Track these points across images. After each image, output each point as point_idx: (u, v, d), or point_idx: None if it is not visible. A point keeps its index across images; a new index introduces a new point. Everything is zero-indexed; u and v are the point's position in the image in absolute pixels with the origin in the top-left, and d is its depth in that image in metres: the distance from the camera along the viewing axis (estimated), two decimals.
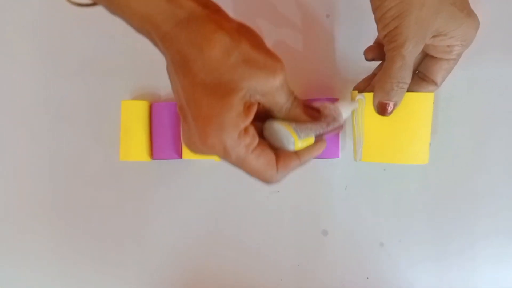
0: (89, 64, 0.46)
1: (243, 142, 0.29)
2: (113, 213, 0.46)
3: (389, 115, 0.35)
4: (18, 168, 0.47)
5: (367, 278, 0.43)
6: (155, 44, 0.29)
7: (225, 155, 0.29)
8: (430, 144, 0.37)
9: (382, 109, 0.35)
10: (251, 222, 0.44)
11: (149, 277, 0.46)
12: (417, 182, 0.42)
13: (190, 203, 0.45)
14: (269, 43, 0.43)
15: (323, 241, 0.43)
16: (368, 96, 0.37)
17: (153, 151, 0.44)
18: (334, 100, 0.39)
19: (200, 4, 0.27)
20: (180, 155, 0.43)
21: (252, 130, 0.29)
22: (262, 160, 0.30)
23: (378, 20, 0.33)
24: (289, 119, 0.32)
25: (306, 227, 0.43)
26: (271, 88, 0.29)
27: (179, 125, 0.43)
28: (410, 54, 0.32)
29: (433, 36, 0.33)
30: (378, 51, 0.37)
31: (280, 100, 0.30)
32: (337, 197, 0.43)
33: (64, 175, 0.47)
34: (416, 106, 0.36)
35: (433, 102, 0.37)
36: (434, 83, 0.36)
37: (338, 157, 0.40)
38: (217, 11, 0.29)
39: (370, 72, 0.38)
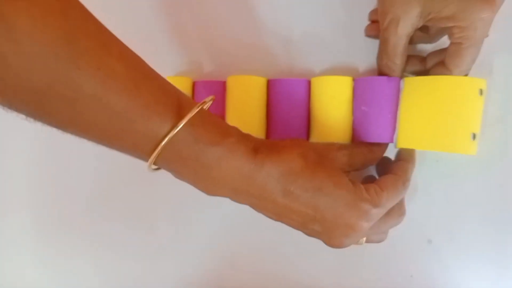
0: (129, 39, 0.45)
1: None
2: (149, 191, 0.44)
3: None
4: (56, 147, 0.46)
5: (411, 276, 0.40)
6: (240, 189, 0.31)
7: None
8: (475, 134, 0.34)
9: None
10: None
11: (195, 259, 0.44)
12: (473, 176, 0.39)
13: None
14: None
15: None
16: (409, 81, 0.36)
17: None
18: (393, 79, 0.37)
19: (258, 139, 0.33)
20: None
21: None
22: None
23: None
24: None
25: None
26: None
27: (222, 103, 0.41)
28: (393, 34, 0.33)
29: (430, 19, 0.32)
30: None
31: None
32: None
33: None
34: (459, 91, 0.34)
35: (485, 90, 0.35)
36: (446, 68, 0.34)
37: (392, 142, 0.38)
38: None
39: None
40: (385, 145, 0.38)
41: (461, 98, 0.34)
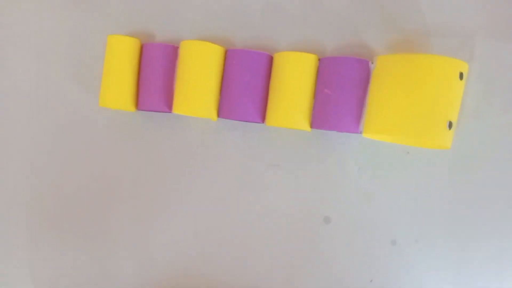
0: None
1: None
2: (82, 167, 0.40)
3: None
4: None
5: (371, 281, 0.36)
6: None
7: None
8: (451, 122, 0.29)
9: None
10: (242, 196, 0.37)
11: (120, 258, 0.40)
12: (446, 172, 0.35)
13: (175, 166, 0.38)
14: None
15: (324, 230, 0.36)
16: (381, 59, 0.31)
17: (139, 101, 0.37)
18: (364, 61, 0.32)
19: None
20: (170, 108, 0.36)
21: None
22: None
23: None
24: None
25: (306, 210, 0.37)
26: None
27: (172, 71, 0.36)
28: None
29: None
30: None
31: None
32: (347, 178, 0.36)
33: (33, 117, 0.40)
34: (437, 72, 0.29)
35: (466, 74, 0.30)
36: None
37: (357, 132, 0.33)
38: None
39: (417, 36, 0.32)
40: None
41: (439, 80, 0.29)
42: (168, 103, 0.36)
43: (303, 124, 0.34)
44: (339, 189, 0.36)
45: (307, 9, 0.36)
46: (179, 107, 0.35)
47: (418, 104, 0.29)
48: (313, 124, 0.34)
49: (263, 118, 0.35)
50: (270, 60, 0.35)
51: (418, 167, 0.35)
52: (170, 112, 0.37)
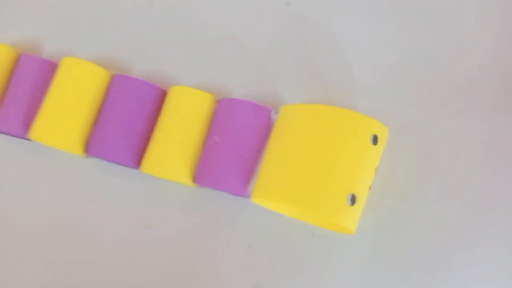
0: None
1: None
2: None
3: None
4: None
5: None
6: None
7: None
8: (354, 196, 0.22)
9: None
10: (104, 259, 0.29)
11: None
12: (355, 264, 0.27)
13: (31, 206, 0.30)
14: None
15: None
16: (285, 109, 0.25)
17: None
18: (265, 109, 0.26)
19: None
20: (26, 133, 0.29)
21: None
22: None
23: None
24: None
25: None
26: None
27: (43, 91, 0.29)
28: None
29: None
30: None
31: None
32: (234, 257, 0.28)
33: None
34: (343, 130, 0.23)
35: (383, 140, 0.24)
36: None
37: (244, 194, 0.25)
38: None
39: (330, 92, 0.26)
40: None
41: (342, 140, 0.22)
42: (26, 126, 0.29)
43: (184, 177, 0.26)
44: (223, 270, 0.28)
45: (224, 47, 0.30)
46: (37, 134, 0.28)
47: (312, 167, 0.22)
48: (196, 179, 0.26)
49: (139, 160, 0.28)
50: (163, 95, 0.29)
51: (323, 255, 0.27)
52: (27, 139, 0.29)
